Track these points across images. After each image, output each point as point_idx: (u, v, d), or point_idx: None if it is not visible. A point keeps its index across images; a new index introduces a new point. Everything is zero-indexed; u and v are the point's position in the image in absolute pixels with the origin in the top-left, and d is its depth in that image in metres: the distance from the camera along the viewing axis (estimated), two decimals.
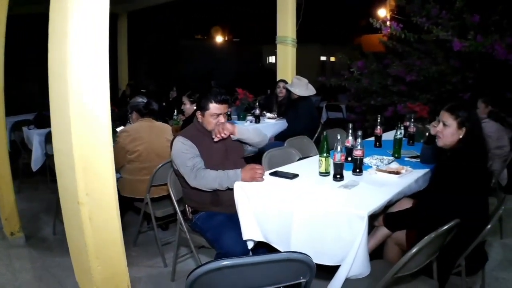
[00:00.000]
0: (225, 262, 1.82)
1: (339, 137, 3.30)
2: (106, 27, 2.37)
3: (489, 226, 2.74)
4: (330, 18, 16.74)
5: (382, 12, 13.93)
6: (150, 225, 4.77)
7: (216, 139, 3.39)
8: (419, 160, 3.99)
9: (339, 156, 3.19)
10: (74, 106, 2.30)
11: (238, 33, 22.83)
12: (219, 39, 22.61)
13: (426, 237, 2.28)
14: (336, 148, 3.20)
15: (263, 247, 3.20)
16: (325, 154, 3.28)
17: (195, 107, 4.43)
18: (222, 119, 3.45)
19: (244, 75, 18.46)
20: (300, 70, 8.37)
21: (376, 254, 3.13)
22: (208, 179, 3.26)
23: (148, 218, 4.54)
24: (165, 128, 4.77)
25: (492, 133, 5.33)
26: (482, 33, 7.00)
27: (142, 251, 4.47)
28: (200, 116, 3.49)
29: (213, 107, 3.40)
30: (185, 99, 5.47)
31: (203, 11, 16.96)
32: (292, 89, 6.88)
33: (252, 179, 3.19)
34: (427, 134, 3.87)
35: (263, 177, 3.26)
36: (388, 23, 7.68)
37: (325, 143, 3.25)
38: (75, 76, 2.28)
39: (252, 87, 9.38)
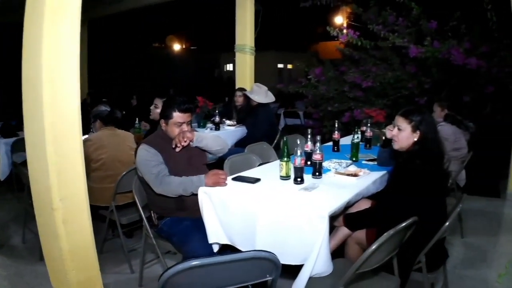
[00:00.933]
0: (195, 262, 1.88)
1: (298, 142, 3.40)
2: (77, 37, 2.44)
3: (447, 224, 2.84)
4: (286, 26, 16.86)
5: (339, 20, 14.13)
6: (115, 232, 4.79)
7: (177, 150, 3.45)
8: (376, 163, 4.13)
9: (299, 160, 3.29)
10: (48, 114, 2.36)
11: (196, 41, 22.74)
12: (177, 47, 22.49)
13: (385, 234, 2.39)
14: (296, 152, 3.29)
15: (227, 250, 3.26)
16: (285, 159, 3.36)
17: None
18: (185, 127, 3.50)
19: (202, 83, 18.42)
20: (258, 78, 8.45)
21: (337, 253, 3.22)
22: (172, 186, 3.30)
23: (113, 225, 4.54)
24: (128, 136, 4.81)
25: (448, 135, 5.51)
26: (439, 39, 7.27)
27: (109, 258, 4.44)
28: (164, 124, 3.54)
29: (177, 116, 3.46)
30: (158, 102, 5.35)
31: (162, 20, 16.85)
32: (251, 96, 6.97)
33: (216, 184, 3.26)
34: (383, 138, 4.00)
35: (226, 182, 3.34)
36: (345, 31, 7.85)
37: (286, 148, 3.34)
38: (49, 85, 2.33)
39: (210, 94, 9.43)
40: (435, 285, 3.32)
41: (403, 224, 2.53)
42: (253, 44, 8.59)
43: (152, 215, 3.61)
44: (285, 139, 3.44)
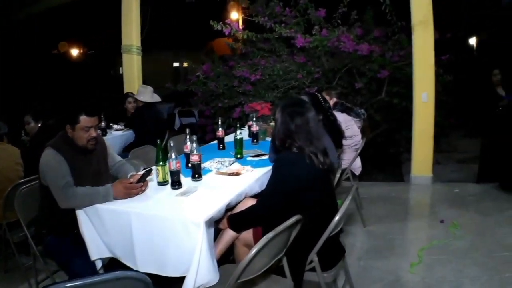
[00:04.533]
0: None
1: (172, 144, 3.22)
2: None
3: (336, 219, 2.73)
4: (181, 24, 16.63)
5: (235, 15, 14.07)
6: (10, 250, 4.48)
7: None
8: (265, 158, 4.02)
9: (174, 164, 3.11)
10: None
11: (92, 45, 22.06)
12: (74, 52, 21.73)
13: (263, 238, 2.24)
14: (171, 155, 3.12)
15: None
16: (161, 163, 3.18)
17: (39, 125, 4.29)
18: (93, 133, 3.21)
19: (96, 87, 17.85)
20: (153, 78, 8.32)
21: (227, 258, 3.10)
22: (78, 198, 2.97)
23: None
24: (14, 151, 4.47)
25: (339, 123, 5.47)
26: (328, 27, 7.33)
27: (10, 277, 4.24)
28: (70, 130, 3.20)
29: (84, 120, 3.15)
30: (28, 119, 5.01)
31: (58, 26, 16.14)
32: (137, 97, 6.80)
33: (127, 196, 2.98)
34: (271, 130, 3.89)
35: (142, 190, 3.09)
36: (240, 24, 7.77)
37: (160, 152, 3.16)
38: None
39: (106, 98, 9.14)
40: (337, 281, 3.25)
41: (285, 224, 2.41)
42: (139, 44, 8.41)
43: (41, 231, 3.34)
44: (158, 142, 3.23)
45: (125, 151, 6.28)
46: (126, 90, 8.13)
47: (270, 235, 2.28)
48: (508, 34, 11.75)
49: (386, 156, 8.05)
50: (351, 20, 7.55)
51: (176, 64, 24.50)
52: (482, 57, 14.09)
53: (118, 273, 1.86)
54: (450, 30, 7.68)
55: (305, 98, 3.98)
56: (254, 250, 2.20)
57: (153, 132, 6.44)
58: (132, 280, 1.83)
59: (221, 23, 7.29)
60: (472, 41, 15.83)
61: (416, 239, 4.84)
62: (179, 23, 16.48)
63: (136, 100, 7.02)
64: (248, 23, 7.71)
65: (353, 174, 5.26)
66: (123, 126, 7.04)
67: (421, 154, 6.77)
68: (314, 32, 7.24)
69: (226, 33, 7.38)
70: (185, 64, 23.56)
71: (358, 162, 5.36)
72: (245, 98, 8.16)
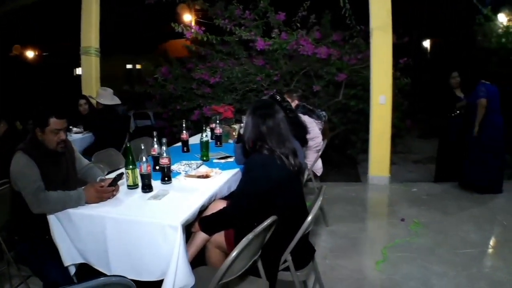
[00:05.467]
0: None
1: (143, 147, 3.19)
2: None
3: (309, 218, 2.77)
4: (135, 26, 16.43)
5: (188, 17, 13.99)
6: None
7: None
8: (230, 160, 4.03)
9: (145, 167, 3.08)
10: None
11: (48, 48, 21.53)
12: (30, 54, 21.25)
13: (244, 239, 2.25)
14: (141, 158, 3.09)
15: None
16: (130, 166, 3.14)
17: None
18: (63, 135, 3.17)
19: (54, 90, 17.46)
20: (105, 81, 8.19)
21: (199, 260, 3.07)
22: (51, 203, 2.89)
23: None
24: None
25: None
26: (287, 30, 7.38)
27: None
28: (39, 133, 3.14)
29: (54, 122, 3.10)
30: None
31: (14, 29, 15.69)
32: (98, 100, 6.70)
33: (99, 200, 2.93)
34: (234, 133, 3.88)
35: (113, 194, 3.04)
36: (193, 26, 7.72)
37: (129, 154, 3.12)
38: None
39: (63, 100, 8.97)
40: (307, 281, 3.27)
41: (262, 225, 2.42)
42: (98, 46, 8.33)
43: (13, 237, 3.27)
44: (128, 145, 3.20)
45: (85, 154, 6.15)
46: (84, 92, 7.98)
47: (250, 236, 2.29)
48: (461, 37, 12.09)
49: (343, 157, 8.17)
50: (310, 23, 7.62)
51: (129, 66, 24.24)
52: (436, 60, 14.46)
53: (104, 279, 1.85)
54: (406, 34, 7.84)
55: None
56: (235, 252, 2.20)
57: (113, 135, 6.40)
58: (118, 286, 1.83)
59: (182, 25, 7.24)
60: (426, 44, 16.23)
61: (379, 237, 4.93)
62: (131, 25, 16.30)
63: (88, 103, 6.95)
64: (203, 26, 7.66)
65: (315, 175, 5.34)
66: (82, 129, 6.90)
67: (378, 155, 6.90)
68: (273, 35, 7.29)
69: (188, 36, 7.33)
70: (138, 66, 23.33)
71: (319, 163, 5.42)
72: (203, 100, 8.15)
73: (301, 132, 4.42)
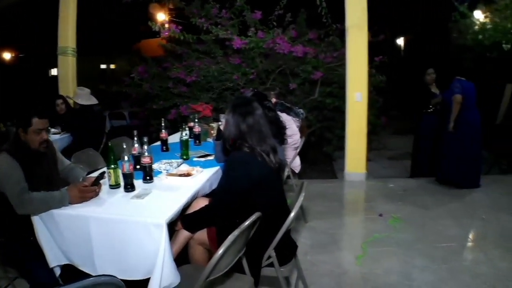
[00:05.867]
0: None
1: (124, 146, 3.19)
2: None
3: (292, 214, 2.80)
4: (107, 26, 16.31)
5: (162, 16, 13.92)
6: None
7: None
8: (210, 158, 4.05)
9: (127, 166, 3.08)
10: None
11: (24, 49, 21.22)
12: (6, 56, 20.98)
13: (230, 236, 2.27)
14: (123, 157, 3.08)
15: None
16: (112, 166, 3.13)
17: None
18: (45, 135, 3.20)
19: (30, 90, 17.25)
20: (80, 81, 8.15)
21: (182, 259, 3.08)
22: (34, 204, 2.88)
23: None
24: None
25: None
26: (263, 29, 7.41)
27: None
28: (22, 134, 3.15)
29: (36, 122, 3.13)
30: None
31: None
32: (75, 100, 6.65)
33: (83, 200, 2.91)
34: (212, 131, 3.89)
35: (97, 193, 3.03)
36: (166, 25, 7.70)
37: (111, 154, 3.11)
38: None
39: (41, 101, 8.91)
40: (290, 277, 3.30)
41: (247, 222, 2.45)
42: (75, 45, 8.31)
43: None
44: (110, 145, 3.19)
45: (64, 155, 6.09)
46: (61, 92, 7.97)
47: (236, 232, 2.31)
48: (435, 34, 12.25)
49: (319, 154, 8.22)
50: (286, 22, 7.66)
51: (103, 66, 24.09)
52: (409, 57, 14.64)
53: (94, 278, 1.85)
54: (380, 31, 7.92)
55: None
56: (222, 249, 2.23)
57: (90, 135, 6.38)
58: (108, 286, 1.84)
59: (159, 24, 7.22)
60: (400, 41, 16.41)
61: (358, 233, 5.00)
62: (104, 25, 16.20)
63: (65, 102, 6.91)
64: (179, 25, 7.64)
65: (293, 172, 5.37)
66: (60, 130, 6.83)
67: (355, 152, 6.96)
68: (250, 34, 7.31)
69: (165, 34, 7.31)
70: (112, 66, 23.18)
71: (297, 161, 5.46)
72: (180, 99, 8.13)
73: (280, 131, 4.44)
